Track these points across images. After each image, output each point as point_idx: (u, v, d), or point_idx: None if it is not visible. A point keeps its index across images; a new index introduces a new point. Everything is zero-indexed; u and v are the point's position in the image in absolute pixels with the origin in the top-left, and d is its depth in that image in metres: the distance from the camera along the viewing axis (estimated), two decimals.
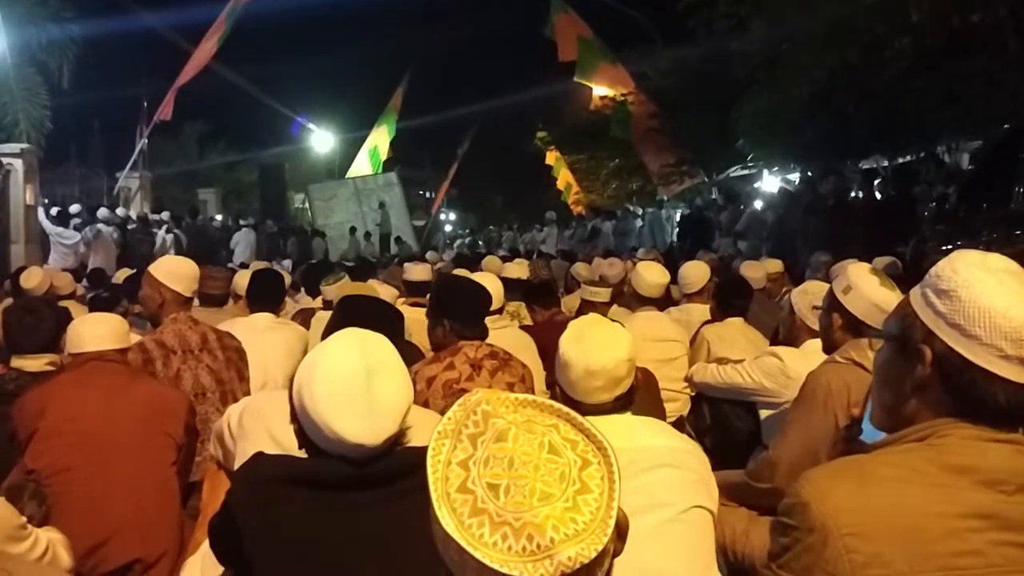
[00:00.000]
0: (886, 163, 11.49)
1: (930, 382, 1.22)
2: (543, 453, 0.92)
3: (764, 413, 3.16)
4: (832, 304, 2.53)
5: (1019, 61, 7.23)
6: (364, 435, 1.49)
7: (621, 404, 1.99)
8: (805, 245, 8.71)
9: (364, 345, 1.57)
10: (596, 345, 1.97)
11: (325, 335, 2.23)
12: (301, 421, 1.55)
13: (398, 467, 1.52)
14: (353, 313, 2.48)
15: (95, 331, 2.89)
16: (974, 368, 1.17)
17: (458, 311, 3.00)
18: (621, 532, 0.96)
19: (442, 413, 0.99)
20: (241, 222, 17.16)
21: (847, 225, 8.42)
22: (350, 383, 1.51)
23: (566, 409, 0.97)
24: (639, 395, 2.11)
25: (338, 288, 4.61)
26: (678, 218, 16.77)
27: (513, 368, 2.91)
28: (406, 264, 4.67)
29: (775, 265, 6.41)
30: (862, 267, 2.55)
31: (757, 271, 5.59)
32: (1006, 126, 8.18)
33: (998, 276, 1.17)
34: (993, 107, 7.77)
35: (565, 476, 0.90)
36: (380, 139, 23.52)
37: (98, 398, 2.72)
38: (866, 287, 2.43)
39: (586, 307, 4.69)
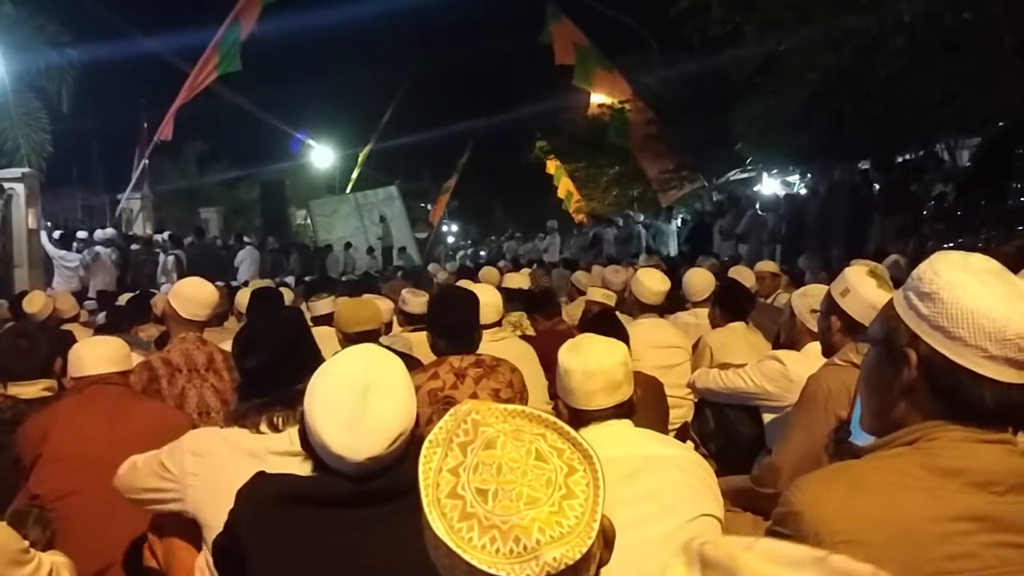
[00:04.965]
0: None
1: (917, 385, 1.21)
2: (530, 460, 0.95)
3: (768, 417, 3.15)
4: (830, 307, 2.52)
5: (1013, 58, 7.24)
6: (346, 448, 1.49)
7: (622, 411, 2.01)
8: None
9: (370, 361, 1.58)
10: (593, 350, 2.03)
11: (239, 336, 2.30)
12: (306, 431, 1.56)
13: (402, 484, 1.51)
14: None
15: (97, 354, 2.90)
16: (960, 370, 1.16)
17: (442, 326, 3.08)
18: (608, 541, 0.98)
19: (428, 420, 1.01)
20: (245, 239, 17.22)
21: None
22: (343, 395, 1.52)
23: (554, 419, 1.00)
24: (641, 407, 2.12)
25: (329, 303, 4.70)
26: (679, 223, 16.81)
27: (499, 374, 2.94)
28: (403, 294, 4.68)
29: (769, 266, 6.43)
30: (860, 269, 2.54)
31: (748, 276, 5.60)
32: (1000, 124, 8.21)
33: (980, 277, 1.17)
34: (989, 105, 7.78)
35: (551, 482, 0.93)
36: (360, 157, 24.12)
37: (101, 422, 2.73)
38: (864, 289, 2.43)
39: (594, 315, 4.70)
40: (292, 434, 1.92)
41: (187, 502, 1.99)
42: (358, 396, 1.51)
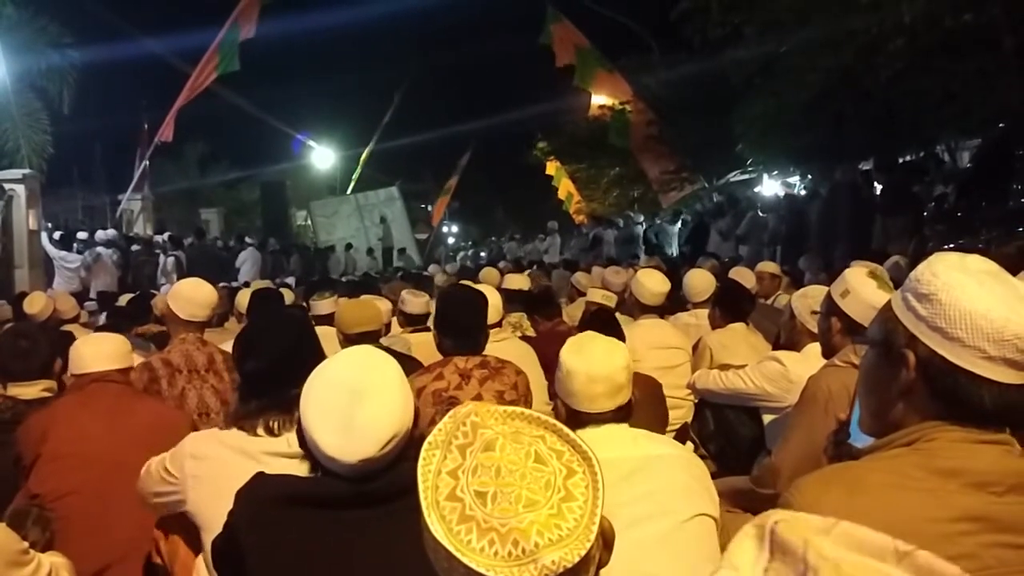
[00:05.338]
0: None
1: (915, 386, 1.21)
2: (529, 462, 0.94)
3: (768, 418, 3.15)
4: (830, 308, 2.52)
5: (1014, 59, 7.24)
6: (338, 451, 1.50)
7: (622, 414, 2.01)
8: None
9: (363, 364, 1.58)
10: (597, 353, 2.01)
11: (240, 337, 2.30)
12: (302, 433, 1.57)
13: (400, 485, 1.51)
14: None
15: (97, 351, 2.89)
16: (958, 370, 1.16)
17: (449, 326, 3.07)
18: (607, 542, 0.97)
19: (431, 421, 1.01)
20: (247, 240, 17.21)
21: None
22: (335, 398, 1.52)
23: (553, 421, 0.99)
24: (640, 407, 2.12)
25: (331, 303, 4.66)
26: (680, 225, 16.81)
27: (504, 376, 2.93)
28: (403, 295, 4.67)
29: (769, 267, 6.42)
30: (860, 271, 2.55)
31: (748, 278, 5.60)
32: (1001, 125, 8.20)
33: (978, 278, 1.17)
34: (989, 105, 7.77)
35: (550, 484, 0.93)
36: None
37: (101, 420, 2.72)
38: (864, 290, 2.43)
39: (591, 314, 4.69)
40: (290, 437, 1.93)
41: (188, 503, 2.02)
42: (350, 399, 1.51)
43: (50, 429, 2.68)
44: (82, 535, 2.50)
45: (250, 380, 2.15)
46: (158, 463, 2.12)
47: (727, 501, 2.45)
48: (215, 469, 1.98)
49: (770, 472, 2.49)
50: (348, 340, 3.52)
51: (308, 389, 1.57)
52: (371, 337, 3.55)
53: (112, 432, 2.69)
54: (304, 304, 6.34)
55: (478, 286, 4.27)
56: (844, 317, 2.45)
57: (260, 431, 2.02)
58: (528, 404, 3.00)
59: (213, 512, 1.77)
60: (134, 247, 14.20)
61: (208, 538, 1.87)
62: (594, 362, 1.97)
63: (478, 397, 2.83)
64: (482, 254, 26.56)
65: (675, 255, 14.54)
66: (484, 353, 3.05)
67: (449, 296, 3.36)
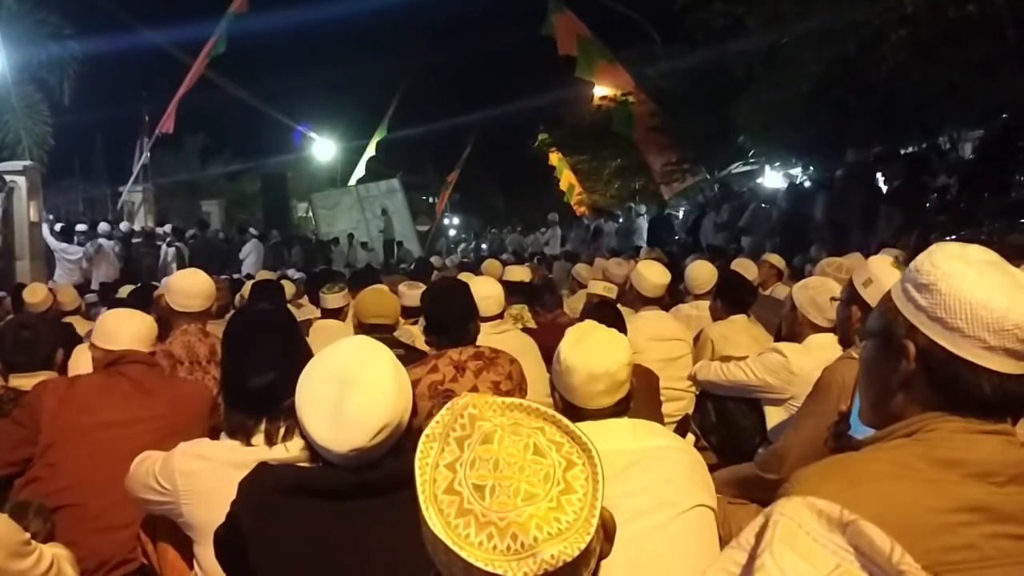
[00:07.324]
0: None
1: (915, 377, 1.21)
2: (528, 455, 0.93)
3: (769, 410, 3.15)
4: (851, 297, 2.47)
5: (1017, 50, 7.21)
6: (329, 440, 1.50)
7: (621, 408, 1.99)
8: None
9: (355, 355, 1.58)
10: (597, 349, 1.96)
11: (237, 352, 2.16)
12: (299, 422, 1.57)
13: (401, 476, 1.51)
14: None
15: (127, 330, 2.85)
16: (958, 361, 1.16)
17: (437, 324, 3.08)
18: (608, 534, 0.96)
19: (428, 414, 0.99)
20: (252, 231, 17.20)
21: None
22: (326, 387, 1.53)
23: (552, 412, 0.98)
24: (638, 398, 2.11)
25: (342, 297, 4.62)
26: (681, 216, 16.79)
27: (499, 366, 2.94)
28: (400, 288, 4.63)
29: (772, 258, 6.42)
30: (884, 260, 2.50)
31: (750, 269, 5.59)
32: (1004, 116, 8.18)
33: (978, 268, 1.16)
34: (992, 97, 7.75)
35: (549, 477, 0.91)
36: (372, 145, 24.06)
37: (120, 407, 2.67)
38: (888, 280, 2.38)
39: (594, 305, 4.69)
40: (288, 443, 1.91)
41: (184, 516, 1.98)
42: (340, 389, 1.51)
43: (66, 412, 2.62)
44: (95, 524, 2.49)
45: (244, 399, 2.02)
46: (148, 467, 2.04)
47: (731, 490, 2.45)
48: (208, 485, 1.91)
49: (776, 457, 2.48)
50: (362, 328, 3.51)
51: (302, 380, 1.58)
52: (386, 330, 3.54)
53: (131, 420, 2.64)
54: (307, 296, 6.35)
55: (479, 278, 4.27)
56: (865, 306, 2.40)
57: (257, 441, 1.95)
58: (523, 392, 3.01)
59: (211, 529, 1.73)
60: (135, 239, 14.20)
61: (204, 552, 1.85)
62: (594, 359, 1.93)
63: (474, 388, 2.83)
64: (483, 246, 26.54)
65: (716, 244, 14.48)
66: (477, 343, 3.05)
67: (432, 295, 3.33)
